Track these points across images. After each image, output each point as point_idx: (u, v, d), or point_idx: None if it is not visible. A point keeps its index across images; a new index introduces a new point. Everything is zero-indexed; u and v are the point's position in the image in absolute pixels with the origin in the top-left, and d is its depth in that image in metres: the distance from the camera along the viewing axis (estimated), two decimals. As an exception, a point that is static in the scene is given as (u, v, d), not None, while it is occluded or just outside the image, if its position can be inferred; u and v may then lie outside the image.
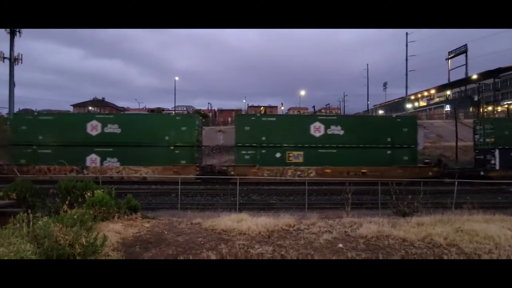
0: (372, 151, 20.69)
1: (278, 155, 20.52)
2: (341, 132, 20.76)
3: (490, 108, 53.28)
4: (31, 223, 5.64)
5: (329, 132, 20.77)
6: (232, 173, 19.83)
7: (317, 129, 20.80)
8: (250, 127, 20.71)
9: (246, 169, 20.10)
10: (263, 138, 20.48)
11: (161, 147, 20.32)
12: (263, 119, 21.72)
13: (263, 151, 20.48)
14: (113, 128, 20.44)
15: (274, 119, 22.16)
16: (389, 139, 20.83)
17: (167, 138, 20.39)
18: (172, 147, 20.33)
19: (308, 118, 23.73)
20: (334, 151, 20.54)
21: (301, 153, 20.59)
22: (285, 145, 20.60)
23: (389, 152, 20.80)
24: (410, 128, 21.24)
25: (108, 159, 20.37)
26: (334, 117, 25.08)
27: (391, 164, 20.47)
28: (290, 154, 20.63)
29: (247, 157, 20.44)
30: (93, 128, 20.47)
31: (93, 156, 20.36)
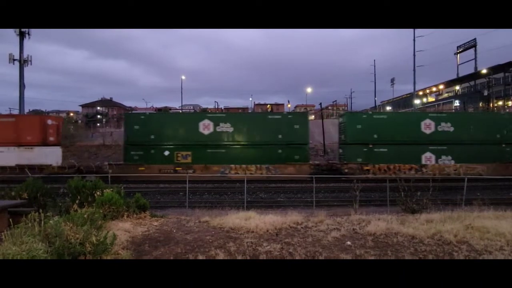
0: None
1: None
2: None
3: (500, 103, 52.40)
4: (42, 222, 5.73)
5: None
6: None
7: None
8: None
9: None
10: None
11: (492, 145, 20.47)
12: None
13: None
14: (446, 127, 20.74)
15: None
16: None
17: (498, 136, 20.64)
18: (503, 145, 20.55)
19: None
20: None
21: None
22: None
23: None
24: None
25: (443, 157, 20.58)
26: None
27: None
28: None
29: None
30: (427, 126, 20.81)
31: (428, 154, 20.61)
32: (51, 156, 21.33)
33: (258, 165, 20.25)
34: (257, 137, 20.57)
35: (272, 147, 20.33)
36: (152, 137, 20.61)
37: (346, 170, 20.04)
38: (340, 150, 22.40)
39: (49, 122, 22.50)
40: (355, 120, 21.02)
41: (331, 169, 20.34)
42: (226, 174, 19.81)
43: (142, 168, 19.95)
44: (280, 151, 20.29)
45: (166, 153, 20.50)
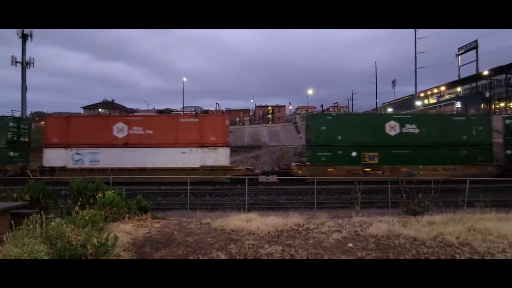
0: None
1: None
2: None
3: (502, 104, 52.29)
4: (44, 224, 5.73)
5: None
6: None
7: None
8: None
9: None
10: None
11: None
12: None
13: None
14: None
15: None
16: None
17: None
18: None
19: None
20: None
21: None
22: None
23: None
24: None
25: None
26: None
27: None
28: None
29: None
30: None
31: None
32: (227, 157, 21.07)
33: (444, 166, 20.09)
34: (442, 138, 20.51)
35: (456, 148, 20.33)
36: (339, 138, 20.52)
37: None
38: (509, 151, 22.18)
39: (227, 122, 22.17)
40: None
41: None
42: (415, 175, 19.40)
43: (331, 169, 19.87)
44: (464, 152, 20.30)
45: (354, 154, 20.35)
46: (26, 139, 23.67)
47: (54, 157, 20.50)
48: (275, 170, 23.29)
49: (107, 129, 20.69)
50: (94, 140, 20.51)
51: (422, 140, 20.31)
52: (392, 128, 20.57)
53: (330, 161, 20.21)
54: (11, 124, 22.07)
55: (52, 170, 20.23)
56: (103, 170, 19.42)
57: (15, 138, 22.17)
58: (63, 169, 20.25)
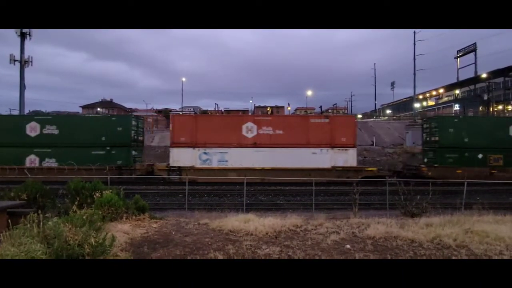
0: None
1: None
2: None
3: (500, 107, 52.50)
4: (41, 223, 5.71)
5: None
6: None
7: None
8: None
9: None
10: None
11: None
12: None
13: None
14: None
15: None
16: None
17: None
18: None
19: None
20: None
21: None
22: None
23: None
24: None
25: None
26: None
27: None
28: None
29: None
30: None
31: None
32: (356, 158, 21.09)
33: None
34: None
35: None
36: (466, 140, 20.97)
37: None
38: None
39: (356, 123, 22.20)
40: None
41: None
42: None
43: (459, 171, 20.06)
44: None
45: (480, 156, 20.89)
46: (141, 138, 23.50)
47: (181, 157, 20.42)
48: (399, 170, 23.41)
49: (236, 128, 20.62)
50: (222, 140, 20.45)
51: None
52: None
53: (457, 162, 20.67)
54: (133, 122, 21.74)
55: (180, 169, 20.21)
56: (231, 170, 19.46)
57: (135, 137, 21.91)
58: (191, 169, 20.18)
